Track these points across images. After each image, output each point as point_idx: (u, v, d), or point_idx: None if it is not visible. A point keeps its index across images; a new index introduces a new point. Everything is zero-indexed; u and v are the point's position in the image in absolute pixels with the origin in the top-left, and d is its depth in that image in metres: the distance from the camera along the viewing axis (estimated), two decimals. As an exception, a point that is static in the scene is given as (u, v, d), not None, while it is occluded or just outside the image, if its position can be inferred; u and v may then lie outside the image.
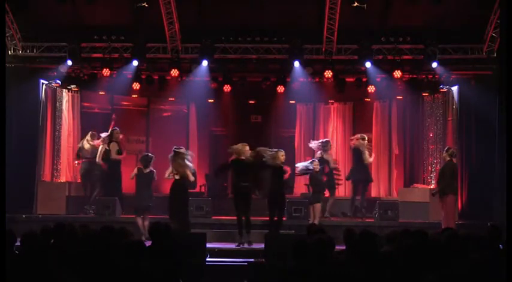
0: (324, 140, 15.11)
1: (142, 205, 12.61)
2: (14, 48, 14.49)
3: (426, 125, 15.76)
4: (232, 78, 15.42)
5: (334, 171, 14.77)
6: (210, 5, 14.67)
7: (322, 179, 13.51)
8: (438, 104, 15.48)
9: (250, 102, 17.44)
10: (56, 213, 13.67)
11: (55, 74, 14.82)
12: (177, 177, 12.15)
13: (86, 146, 14.72)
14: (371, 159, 14.85)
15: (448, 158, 12.63)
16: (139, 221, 12.53)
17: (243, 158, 12.15)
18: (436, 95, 15.49)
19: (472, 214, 13.78)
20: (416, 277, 5.29)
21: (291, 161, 16.74)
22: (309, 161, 13.57)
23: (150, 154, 13.06)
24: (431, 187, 14.88)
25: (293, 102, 17.03)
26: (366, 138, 14.88)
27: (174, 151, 12.20)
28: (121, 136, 14.68)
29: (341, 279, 5.32)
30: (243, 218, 11.98)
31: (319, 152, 14.65)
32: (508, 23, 10.03)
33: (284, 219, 12.62)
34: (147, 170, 12.64)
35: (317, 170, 13.22)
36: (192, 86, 15.53)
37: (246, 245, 11.85)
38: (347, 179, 15.27)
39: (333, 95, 16.31)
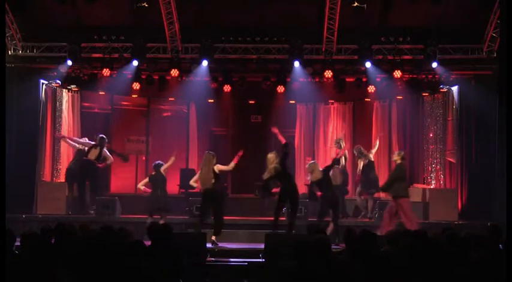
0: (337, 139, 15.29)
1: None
2: (14, 48, 14.50)
3: (426, 125, 15.75)
4: (232, 78, 15.41)
5: None
6: (210, 5, 14.67)
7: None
8: (438, 104, 15.47)
9: (250, 102, 17.44)
10: (56, 213, 13.67)
11: (55, 74, 14.82)
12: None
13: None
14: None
15: (400, 161, 12.24)
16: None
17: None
18: (436, 95, 15.48)
19: (472, 214, 13.78)
20: (416, 277, 5.28)
21: (291, 161, 16.74)
22: None
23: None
24: (431, 187, 14.88)
25: (293, 102, 17.03)
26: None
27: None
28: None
29: (341, 279, 5.32)
30: None
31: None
32: (508, 23, 10.05)
33: (284, 219, 12.59)
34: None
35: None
36: (192, 86, 15.53)
37: None
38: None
39: (333, 95, 16.30)
